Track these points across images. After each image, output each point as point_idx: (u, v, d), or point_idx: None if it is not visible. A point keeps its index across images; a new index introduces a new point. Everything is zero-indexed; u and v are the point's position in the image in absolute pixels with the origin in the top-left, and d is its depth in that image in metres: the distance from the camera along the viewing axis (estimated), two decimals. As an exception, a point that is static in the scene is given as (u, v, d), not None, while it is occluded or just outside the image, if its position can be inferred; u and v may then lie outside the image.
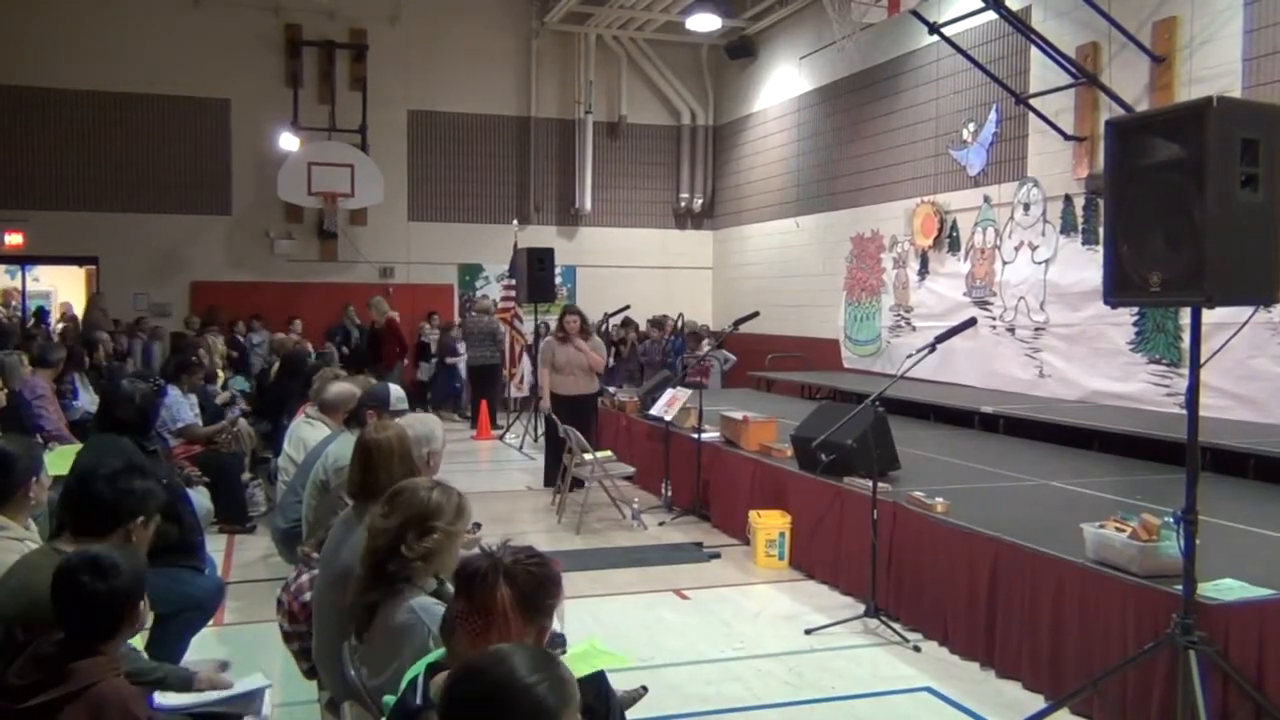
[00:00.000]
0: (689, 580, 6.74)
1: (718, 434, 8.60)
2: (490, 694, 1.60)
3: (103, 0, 14.99)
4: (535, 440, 12.95)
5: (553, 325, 15.82)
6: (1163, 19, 8.89)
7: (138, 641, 3.33)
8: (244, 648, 5.12)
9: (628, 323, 14.41)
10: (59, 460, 5.07)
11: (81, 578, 2.58)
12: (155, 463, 4.84)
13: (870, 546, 5.74)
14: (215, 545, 6.89)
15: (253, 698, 3.11)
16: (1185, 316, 8.14)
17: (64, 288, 19.06)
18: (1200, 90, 8.18)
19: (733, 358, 13.63)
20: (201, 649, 4.60)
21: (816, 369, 13.85)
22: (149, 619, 2.87)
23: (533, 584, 2.21)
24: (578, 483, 8.66)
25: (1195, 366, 3.90)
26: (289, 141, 15.29)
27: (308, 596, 3.72)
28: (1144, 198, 3.93)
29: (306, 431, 5.95)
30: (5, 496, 3.43)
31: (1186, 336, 6.21)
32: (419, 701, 2.19)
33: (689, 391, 8.99)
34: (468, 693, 1.63)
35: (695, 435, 8.54)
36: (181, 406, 8.05)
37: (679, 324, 12.74)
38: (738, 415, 8.36)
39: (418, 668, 2.31)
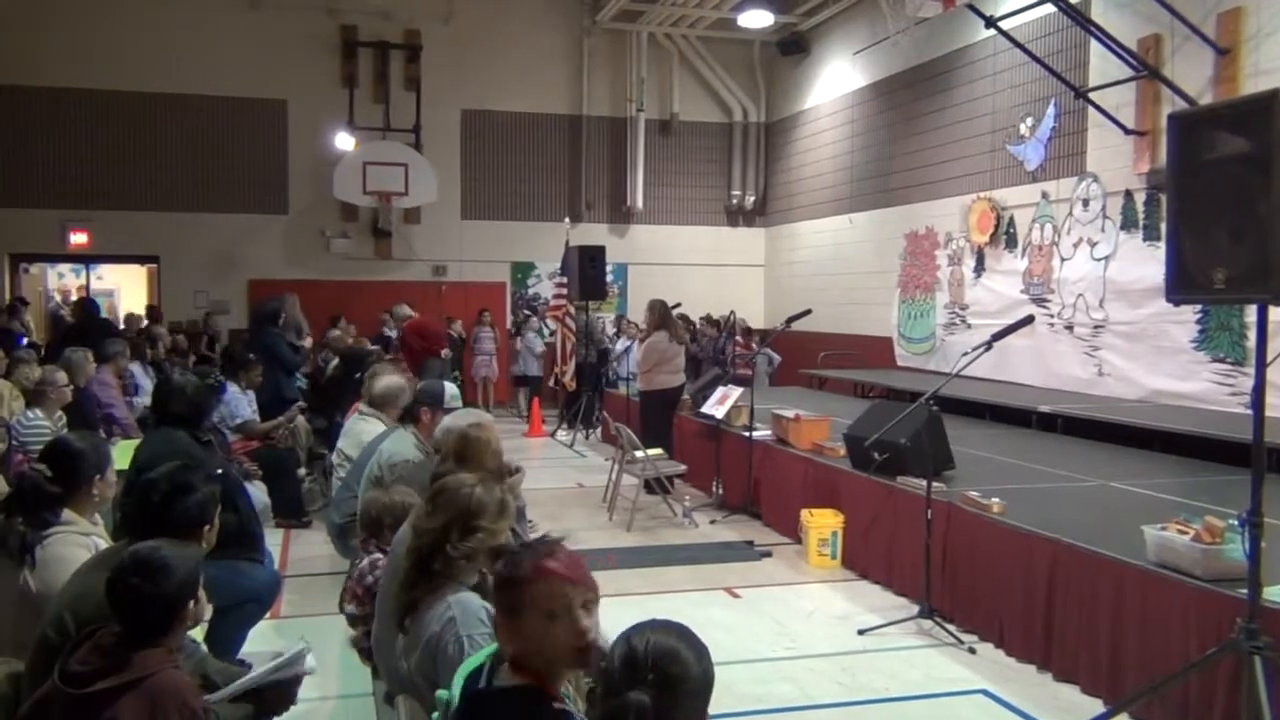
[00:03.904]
0: (740, 579, 6.73)
1: (769, 432, 8.58)
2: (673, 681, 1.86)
3: (162, 2, 15.30)
4: (587, 438, 13.01)
5: (608, 324, 16.05)
6: (1227, 10, 8.69)
7: (197, 633, 3.39)
8: (300, 640, 5.19)
9: (682, 320, 14.42)
10: (120, 455, 5.17)
11: (132, 580, 2.61)
12: (210, 454, 4.93)
13: (924, 547, 5.69)
14: (272, 540, 6.98)
15: (295, 662, 3.14)
16: (1251, 314, 7.96)
17: (126, 286, 19.47)
18: (1266, 83, 7.98)
19: (777, 357, 13.57)
20: (258, 641, 4.67)
21: (869, 367, 13.76)
22: (207, 612, 2.91)
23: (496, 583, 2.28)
24: (655, 486, 8.69)
25: (1261, 365, 3.82)
26: (344, 141, 15.48)
27: (370, 579, 3.81)
28: (1208, 193, 3.85)
29: (361, 427, 6.01)
30: (71, 492, 3.51)
31: (1252, 335, 6.07)
32: (484, 684, 2.26)
33: (740, 389, 8.97)
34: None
35: (747, 433, 8.53)
36: (240, 403, 8.19)
37: (731, 321, 12.72)
38: (789, 414, 8.34)
39: (479, 658, 2.37)
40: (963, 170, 12.45)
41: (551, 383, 14.96)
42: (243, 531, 4.60)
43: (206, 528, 3.23)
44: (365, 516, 4.12)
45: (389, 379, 6.24)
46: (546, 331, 15.36)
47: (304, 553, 7.23)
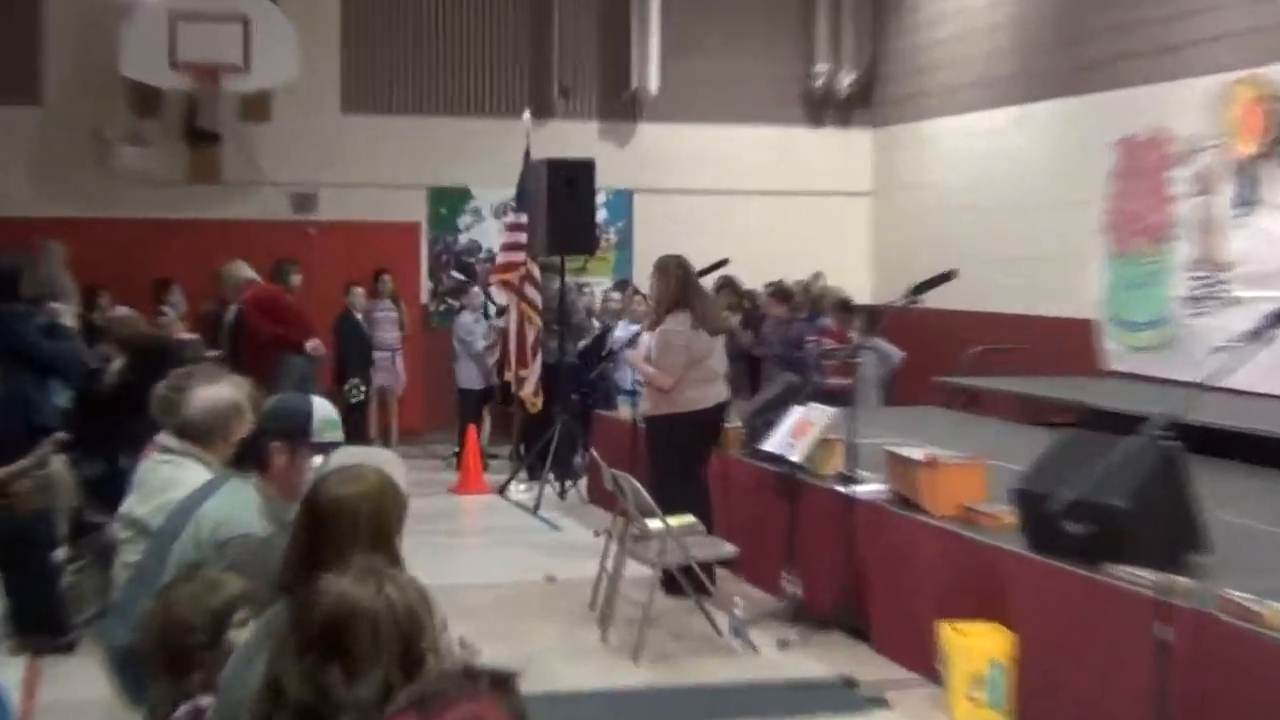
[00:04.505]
0: (832, 744, 6.70)
1: (882, 486, 8.55)
2: None
3: None
4: (563, 496, 12.94)
5: (600, 296, 15.93)
6: None
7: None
8: None
9: (728, 289, 14.34)
10: None
11: None
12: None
13: (1157, 685, 5.64)
14: (11, 674, 6.93)
15: None
16: None
17: None
18: None
19: (896, 354, 13.49)
20: None
21: (1056, 371, 13.76)
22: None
23: None
24: (683, 581, 8.67)
25: None
26: (139, -20, 15.46)
27: None
28: None
29: (165, 475, 5.92)
30: None
31: None
32: None
33: (831, 411, 8.91)
34: None
35: (843, 489, 8.49)
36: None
37: (815, 292, 12.64)
38: (917, 454, 8.29)
39: None
40: (1211, 30, 12.43)
41: (496, 397, 14.95)
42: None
43: None
44: (164, 633, 4.06)
45: (216, 391, 6.15)
46: (492, 309, 15.31)
47: (65, 694, 7.16)
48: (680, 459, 9.76)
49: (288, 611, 3.38)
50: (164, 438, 6.18)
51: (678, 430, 9.79)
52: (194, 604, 4.02)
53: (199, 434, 6.00)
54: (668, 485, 9.29)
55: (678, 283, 9.80)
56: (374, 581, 3.01)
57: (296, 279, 14.20)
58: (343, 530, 3.82)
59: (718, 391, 9.90)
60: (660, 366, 9.72)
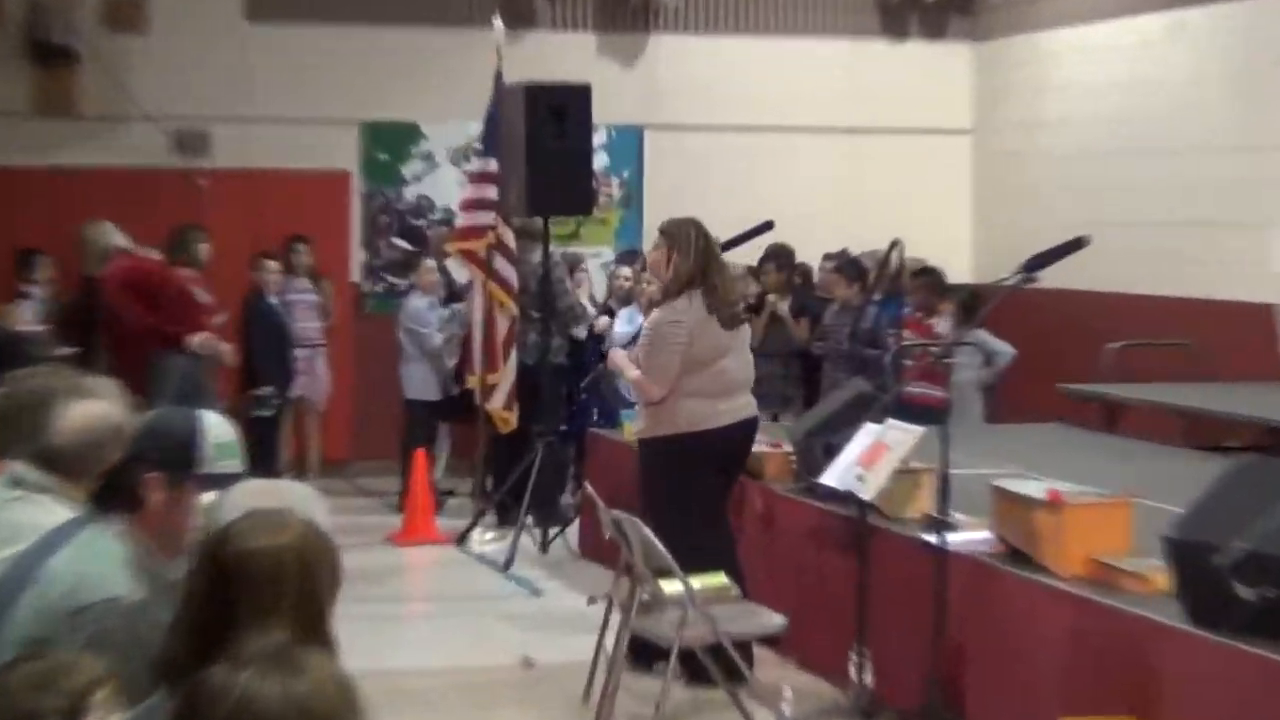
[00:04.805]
0: None
1: (986, 534, 8.57)
2: None
3: None
4: (544, 548, 12.93)
5: (595, 275, 15.96)
6: None
7: None
8: None
9: (776, 263, 14.37)
10: None
11: None
12: None
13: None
14: None
15: None
16: None
17: None
18: None
19: (1006, 351, 13.50)
20: None
21: (1225, 376, 13.82)
22: None
23: None
24: (709, 665, 8.68)
25: None
26: None
27: None
28: None
29: (17, 518, 5.92)
30: None
31: None
32: None
33: (915, 432, 8.90)
34: None
35: (932, 537, 8.48)
36: None
37: (893, 265, 12.63)
38: (1033, 490, 8.29)
39: None
40: None
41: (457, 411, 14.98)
42: None
43: None
44: None
45: (90, 407, 6.14)
46: (457, 282, 15.32)
47: None
48: (681, 498, 9.62)
49: (170, 706, 3.38)
50: (17, 467, 6.18)
51: (674, 459, 9.71)
52: (39, 690, 4.01)
53: (68, 464, 5.96)
54: (667, 534, 9.01)
55: (699, 253, 9.63)
56: (279, 676, 2.99)
57: (203, 251, 14.00)
58: (261, 597, 3.75)
59: (737, 406, 9.77)
60: (648, 369, 9.64)
